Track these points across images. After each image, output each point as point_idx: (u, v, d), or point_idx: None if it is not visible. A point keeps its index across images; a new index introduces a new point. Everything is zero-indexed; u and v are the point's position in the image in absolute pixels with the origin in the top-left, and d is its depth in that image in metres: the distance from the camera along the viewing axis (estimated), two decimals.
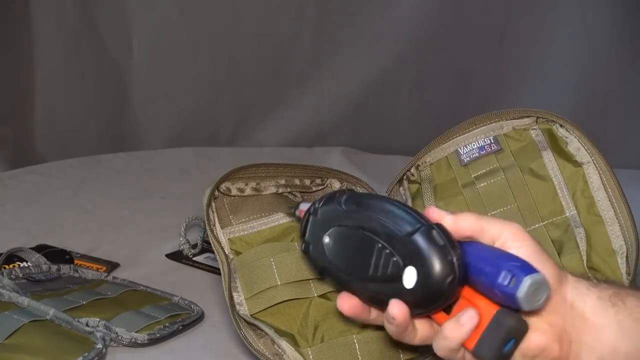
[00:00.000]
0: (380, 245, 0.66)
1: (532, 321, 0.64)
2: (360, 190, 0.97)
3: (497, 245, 0.66)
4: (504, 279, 0.62)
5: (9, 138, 1.76)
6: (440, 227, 0.64)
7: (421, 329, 0.68)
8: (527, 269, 0.63)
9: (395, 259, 0.65)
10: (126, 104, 1.85)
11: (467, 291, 0.65)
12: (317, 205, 0.71)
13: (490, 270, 0.64)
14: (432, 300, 0.65)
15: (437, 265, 0.63)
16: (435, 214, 0.67)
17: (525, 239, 0.66)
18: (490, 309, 0.64)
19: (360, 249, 0.67)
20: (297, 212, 0.78)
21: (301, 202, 0.80)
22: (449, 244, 0.63)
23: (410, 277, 0.64)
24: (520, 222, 0.88)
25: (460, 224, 0.67)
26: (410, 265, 0.64)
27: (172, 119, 1.89)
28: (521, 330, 0.64)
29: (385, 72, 1.88)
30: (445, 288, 0.63)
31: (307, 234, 0.72)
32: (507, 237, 0.66)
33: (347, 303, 0.70)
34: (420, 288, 0.63)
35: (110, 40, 1.79)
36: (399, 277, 0.64)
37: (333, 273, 0.71)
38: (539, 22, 1.82)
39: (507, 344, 0.63)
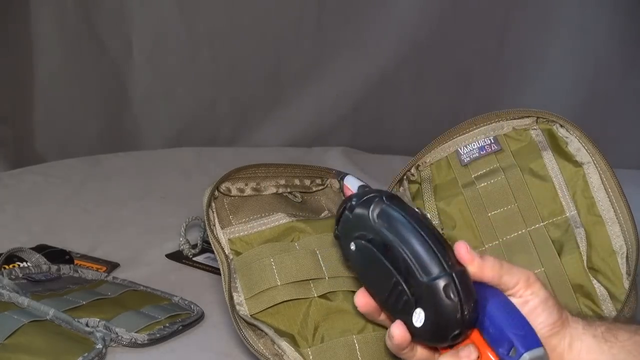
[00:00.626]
0: (396, 279, 0.67)
1: None
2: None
3: (511, 292, 0.69)
4: (505, 348, 0.65)
5: (9, 138, 1.76)
6: (462, 277, 0.65)
7: (420, 352, 0.70)
8: (528, 342, 0.66)
9: (406, 298, 0.66)
10: (126, 104, 1.85)
11: (475, 334, 0.67)
12: (353, 202, 0.72)
13: (494, 333, 0.66)
14: (434, 342, 0.67)
15: (445, 319, 0.64)
16: (465, 255, 0.68)
17: (535, 288, 0.69)
18: (491, 358, 0.66)
19: (379, 273, 0.68)
20: (342, 184, 0.81)
21: (347, 175, 0.80)
22: (464, 299, 0.64)
23: (418, 318, 0.65)
24: (520, 222, 0.89)
25: (484, 271, 0.68)
26: (421, 307, 0.65)
27: (172, 119, 1.89)
28: None
29: (385, 72, 1.88)
30: (448, 338, 0.65)
31: (339, 226, 0.73)
32: (521, 286, 0.69)
33: (363, 301, 0.72)
34: (426, 331, 0.65)
35: (110, 40, 1.79)
36: (409, 313, 0.66)
37: (355, 269, 0.73)
38: (539, 22, 1.82)
39: None
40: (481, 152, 0.93)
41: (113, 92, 1.84)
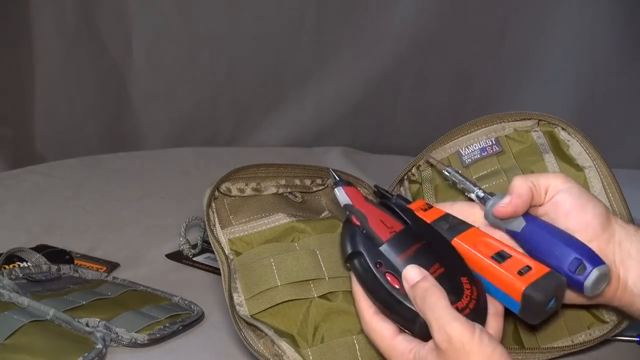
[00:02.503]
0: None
1: None
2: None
3: (549, 194, 0.74)
4: (571, 265, 0.70)
5: (9, 138, 1.76)
6: None
7: None
8: (594, 259, 0.71)
9: None
10: (126, 104, 1.85)
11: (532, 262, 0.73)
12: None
13: (559, 254, 0.71)
14: None
15: None
16: (500, 211, 0.76)
17: (571, 184, 0.75)
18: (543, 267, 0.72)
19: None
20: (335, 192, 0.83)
21: (338, 186, 0.83)
22: None
23: None
24: None
25: (519, 201, 0.75)
26: None
27: (172, 119, 1.89)
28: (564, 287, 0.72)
29: (386, 72, 1.88)
30: None
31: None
32: (555, 184, 0.75)
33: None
34: None
35: (110, 40, 1.79)
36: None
37: None
38: (539, 21, 1.82)
39: (551, 301, 0.71)
40: (482, 154, 0.93)
41: (113, 92, 1.84)
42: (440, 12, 1.82)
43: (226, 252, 0.86)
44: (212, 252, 0.89)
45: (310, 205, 0.95)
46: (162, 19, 1.82)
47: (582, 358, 0.88)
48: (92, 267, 1.08)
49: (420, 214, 0.80)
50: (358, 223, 0.77)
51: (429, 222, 0.79)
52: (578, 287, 0.71)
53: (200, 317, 0.95)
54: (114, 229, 1.25)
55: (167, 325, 0.91)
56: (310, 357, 0.80)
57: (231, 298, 0.83)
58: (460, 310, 0.69)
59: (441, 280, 0.71)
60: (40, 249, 1.08)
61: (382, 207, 0.79)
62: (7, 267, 1.00)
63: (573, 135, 0.90)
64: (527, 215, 0.76)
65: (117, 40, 1.80)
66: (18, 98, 1.77)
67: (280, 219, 0.89)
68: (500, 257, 0.74)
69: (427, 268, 0.72)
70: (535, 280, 0.71)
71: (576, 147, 0.90)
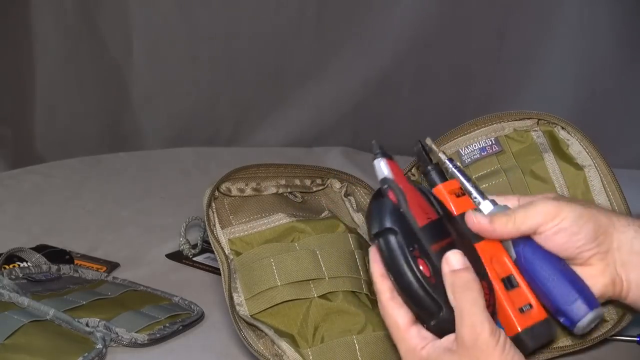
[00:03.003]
0: None
1: (588, 271, 0.73)
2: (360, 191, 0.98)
3: (541, 230, 0.72)
4: (567, 319, 0.71)
5: (9, 138, 1.76)
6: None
7: None
8: (581, 309, 0.71)
9: None
10: (126, 104, 1.85)
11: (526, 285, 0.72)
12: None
13: (546, 302, 0.72)
14: None
15: None
16: (475, 224, 0.73)
17: (561, 217, 0.72)
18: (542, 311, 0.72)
19: None
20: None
21: (378, 157, 0.80)
22: None
23: None
24: None
25: (499, 234, 0.73)
26: None
27: (172, 119, 1.89)
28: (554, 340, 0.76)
29: (386, 72, 1.88)
30: None
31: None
32: (543, 220, 0.72)
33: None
34: None
35: (110, 40, 1.79)
36: None
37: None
38: (539, 21, 1.82)
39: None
40: (482, 153, 0.93)
41: (113, 92, 1.84)
42: (440, 12, 1.82)
43: (226, 252, 0.86)
44: (212, 252, 0.90)
45: (310, 205, 0.95)
46: (162, 19, 1.82)
47: (582, 358, 0.88)
48: (92, 267, 1.08)
49: (451, 199, 0.76)
50: (395, 200, 0.71)
51: (457, 212, 0.75)
52: (570, 329, 0.73)
53: (200, 317, 0.95)
54: (114, 229, 1.25)
55: (167, 325, 0.91)
56: (310, 357, 0.80)
57: (231, 298, 0.83)
58: None
59: None
60: (40, 249, 1.08)
61: (420, 191, 0.74)
62: (7, 267, 1.00)
63: (573, 134, 0.91)
64: (519, 246, 0.74)
65: (117, 40, 1.80)
66: (18, 98, 1.77)
67: (280, 219, 0.89)
68: (509, 283, 0.72)
69: None
70: (532, 326, 0.70)
71: (576, 146, 0.90)
